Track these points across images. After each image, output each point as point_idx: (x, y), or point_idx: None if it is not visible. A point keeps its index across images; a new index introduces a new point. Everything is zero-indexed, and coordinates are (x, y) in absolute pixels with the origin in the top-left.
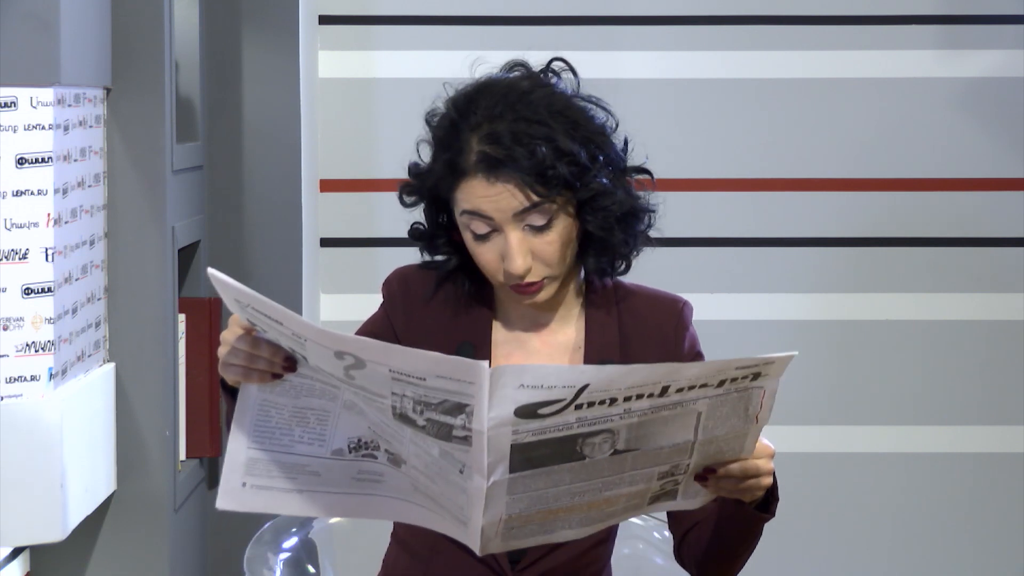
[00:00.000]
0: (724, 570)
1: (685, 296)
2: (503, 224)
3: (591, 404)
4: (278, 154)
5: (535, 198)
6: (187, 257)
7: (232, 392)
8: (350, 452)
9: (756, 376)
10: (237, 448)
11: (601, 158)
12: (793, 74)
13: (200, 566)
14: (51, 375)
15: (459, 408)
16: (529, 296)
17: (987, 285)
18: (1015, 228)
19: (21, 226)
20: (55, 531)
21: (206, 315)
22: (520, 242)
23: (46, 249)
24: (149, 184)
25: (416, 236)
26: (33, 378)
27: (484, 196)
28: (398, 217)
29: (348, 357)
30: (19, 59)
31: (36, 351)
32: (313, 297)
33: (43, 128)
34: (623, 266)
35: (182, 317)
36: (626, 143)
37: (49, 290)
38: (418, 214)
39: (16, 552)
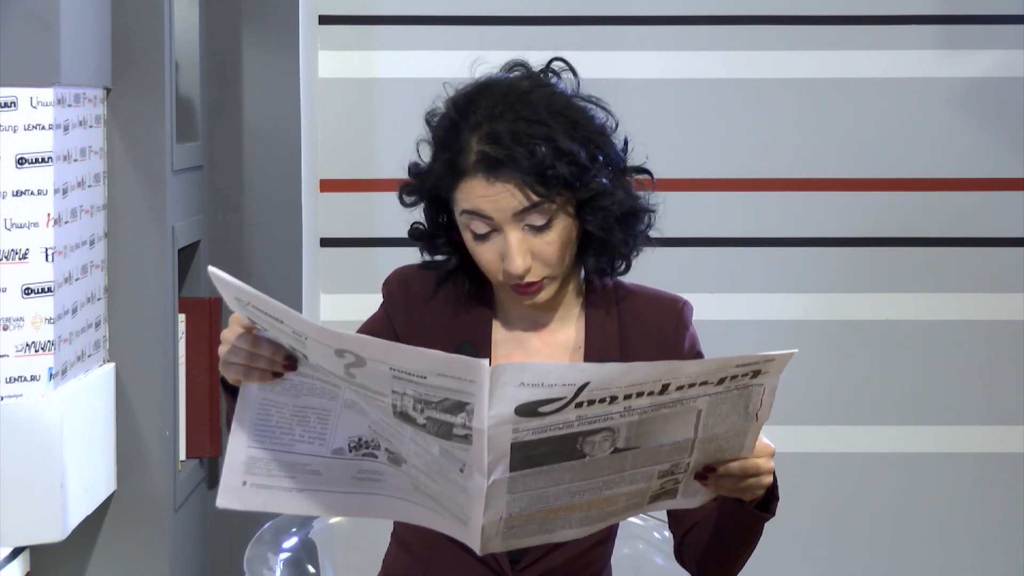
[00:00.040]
0: (724, 570)
1: (685, 296)
2: (503, 224)
3: (591, 402)
4: (278, 154)
5: (535, 198)
6: (187, 257)
7: (232, 391)
8: (350, 451)
9: (756, 373)
10: (237, 447)
11: (601, 158)
12: (793, 74)
13: (200, 566)
14: (51, 375)
15: (459, 406)
16: (529, 297)
17: (987, 285)
18: (1015, 228)
19: (21, 226)
20: (55, 531)
21: (206, 315)
22: (520, 242)
23: (46, 249)
24: (149, 184)
25: (416, 236)
26: (33, 378)
27: (484, 196)
28: (398, 217)
29: (349, 355)
30: (19, 59)
31: (36, 351)
32: (313, 297)
33: (43, 128)
34: (623, 266)
35: (182, 317)
36: (626, 143)
37: (49, 290)
38: (418, 214)
39: (16, 552)
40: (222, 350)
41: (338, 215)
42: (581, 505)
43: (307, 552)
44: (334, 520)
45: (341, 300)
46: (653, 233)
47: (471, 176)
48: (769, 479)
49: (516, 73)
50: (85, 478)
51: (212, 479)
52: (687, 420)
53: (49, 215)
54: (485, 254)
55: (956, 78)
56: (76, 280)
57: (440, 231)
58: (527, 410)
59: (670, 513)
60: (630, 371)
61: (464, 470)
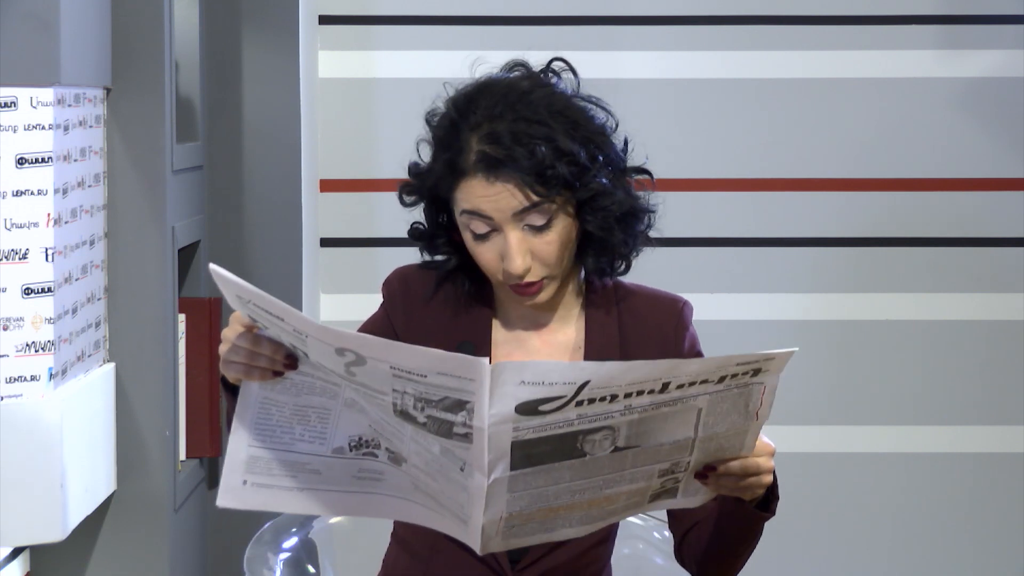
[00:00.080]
0: (724, 569)
1: (685, 296)
2: (503, 224)
3: (592, 401)
4: (278, 154)
5: (535, 198)
6: (187, 257)
7: (233, 390)
8: (351, 450)
9: (757, 372)
10: (238, 446)
11: (601, 158)
12: (793, 74)
13: (200, 566)
14: (51, 375)
15: (460, 405)
16: (529, 297)
17: (987, 285)
18: (1015, 228)
19: (21, 226)
20: (55, 531)
21: (206, 315)
22: (519, 242)
23: (46, 249)
24: (149, 184)
25: (416, 236)
26: (33, 378)
27: (484, 196)
28: (398, 217)
29: (349, 354)
30: (19, 59)
31: (36, 351)
32: (313, 297)
33: (43, 128)
34: (623, 266)
35: (182, 317)
36: (626, 143)
37: (49, 290)
38: (418, 214)
39: (16, 552)
40: (222, 349)
41: (338, 215)
42: (581, 504)
43: (307, 552)
44: (334, 520)
45: (341, 300)
46: (653, 233)
47: (471, 176)
48: (769, 478)
49: (516, 73)
50: (85, 478)
51: (212, 479)
52: (687, 419)
53: (49, 215)
54: (485, 254)
55: (956, 78)
56: (76, 280)
57: (440, 231)
58: (527, 409)
59: (670, 513)
60: (630, 370)
61: (464, 469)
